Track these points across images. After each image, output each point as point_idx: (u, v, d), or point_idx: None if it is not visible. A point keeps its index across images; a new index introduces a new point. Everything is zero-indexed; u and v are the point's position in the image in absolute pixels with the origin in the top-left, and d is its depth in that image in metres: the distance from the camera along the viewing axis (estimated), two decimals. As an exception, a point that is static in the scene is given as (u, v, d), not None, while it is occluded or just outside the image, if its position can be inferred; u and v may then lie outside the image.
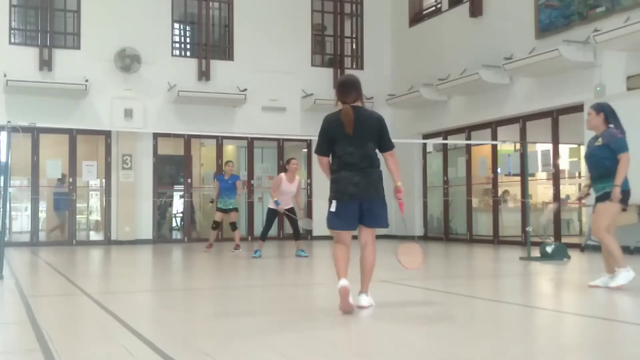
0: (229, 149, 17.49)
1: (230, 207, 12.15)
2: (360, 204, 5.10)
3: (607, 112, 6.46)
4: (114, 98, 15.05)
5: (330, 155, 5.26)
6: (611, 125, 6.41)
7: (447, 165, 16.16)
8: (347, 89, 5.19)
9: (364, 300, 5.20)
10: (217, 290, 7.29)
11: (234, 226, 12.26)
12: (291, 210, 10.61)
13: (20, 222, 16.69)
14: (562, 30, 12.29)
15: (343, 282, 5.01)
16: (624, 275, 6.22)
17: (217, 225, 12.45)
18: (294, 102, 16.53)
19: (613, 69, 11.45)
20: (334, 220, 5.16)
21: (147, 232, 15.44)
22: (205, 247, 12.44)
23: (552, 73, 12.42)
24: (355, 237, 5.22)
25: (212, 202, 12.47)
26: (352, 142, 5.09)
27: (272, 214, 10.71)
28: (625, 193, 6.23)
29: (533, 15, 13.00)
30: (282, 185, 10.40)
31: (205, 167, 17.25)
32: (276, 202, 10.42)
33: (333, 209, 5.13)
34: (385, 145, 5.21)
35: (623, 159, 6.18)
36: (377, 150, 5.22)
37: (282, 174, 10.55)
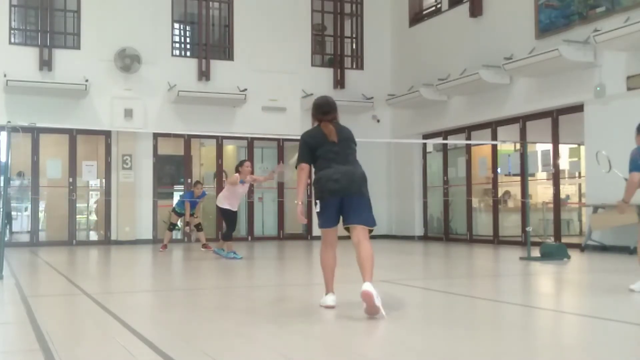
0: (229, 149, 17.47)
1: (191, 213, 12.99)
2: (341, 201, 5.08)
3: None
4: (114, 98, 15.04)
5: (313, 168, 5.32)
6: None
7: (447, 165, 16.15)
8: (326, 108, 5.34)
9: (369, 286, 4.69)
10: (217, 290, 7.28)
11: (199, 227, 13.04)
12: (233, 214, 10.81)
13: (20, 222, 16.68)
14: (562, 30, 12.29)
15: (331, 300, 5.17)
16: None
17: (173, 227, 13.30)
18: (294, 102, 16.52)
19: (613, 69, 11.45)
20: (319, 220, 5.21)
21: (147, 232, 15.44)
22: (160, 248, 12.75)
23: (552, 73, 12.41)
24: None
25: (187, 224, 13.12)
26: (336, 145, 5.20)
27: (230, 214, 10.75)
28: None
29: (533, 15, 12.99)
30: (238, 185, 10.57)
31: (205, 167, 17.24)
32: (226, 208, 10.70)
33: (318, 209, 5.15)
34: None
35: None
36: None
37: (237, 175, 10.62)
